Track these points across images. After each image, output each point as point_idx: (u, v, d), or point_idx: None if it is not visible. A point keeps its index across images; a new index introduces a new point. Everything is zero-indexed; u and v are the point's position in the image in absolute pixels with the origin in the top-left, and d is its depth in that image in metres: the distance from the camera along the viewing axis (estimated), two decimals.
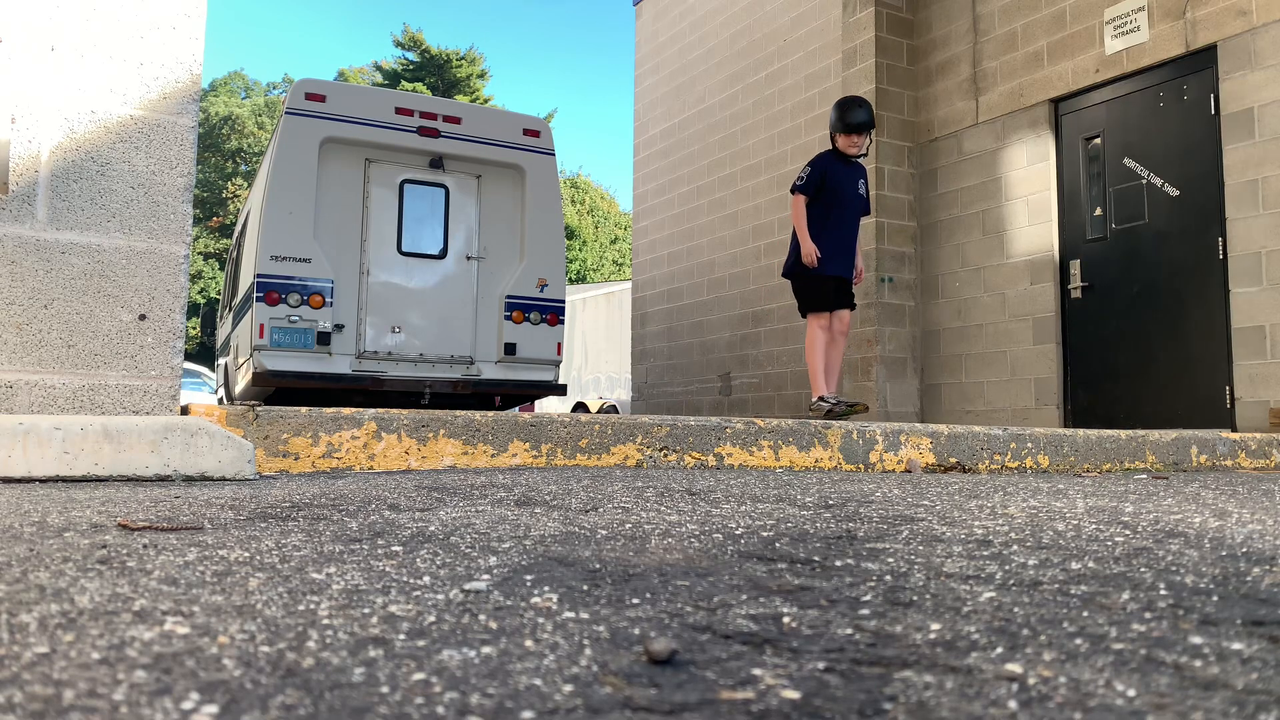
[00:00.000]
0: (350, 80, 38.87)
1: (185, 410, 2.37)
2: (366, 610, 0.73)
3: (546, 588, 0.83)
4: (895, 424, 3.41)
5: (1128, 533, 1.21)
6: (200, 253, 35.12)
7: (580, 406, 15.44)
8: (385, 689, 0.53)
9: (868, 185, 5.84)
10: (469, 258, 7.61)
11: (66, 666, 0.56)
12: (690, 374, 9.78)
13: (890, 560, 0.98)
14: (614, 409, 14.49)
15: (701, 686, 0.54)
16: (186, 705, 0.49)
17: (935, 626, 0.69)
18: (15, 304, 2.12)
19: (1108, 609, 0.75)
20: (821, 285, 5.52)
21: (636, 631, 0.67)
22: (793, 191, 5.63)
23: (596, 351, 16.07)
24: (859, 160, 5.76)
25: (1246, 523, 1.33)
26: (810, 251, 5.42)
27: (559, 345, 7.73)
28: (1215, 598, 0.79)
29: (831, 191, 5.56)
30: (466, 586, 0.83)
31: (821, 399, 5.37)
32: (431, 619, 0.71)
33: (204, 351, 29.07)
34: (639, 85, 11.23)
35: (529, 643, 0.64)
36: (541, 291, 7.68)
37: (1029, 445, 3.54)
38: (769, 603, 0.77)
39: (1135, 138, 6.18)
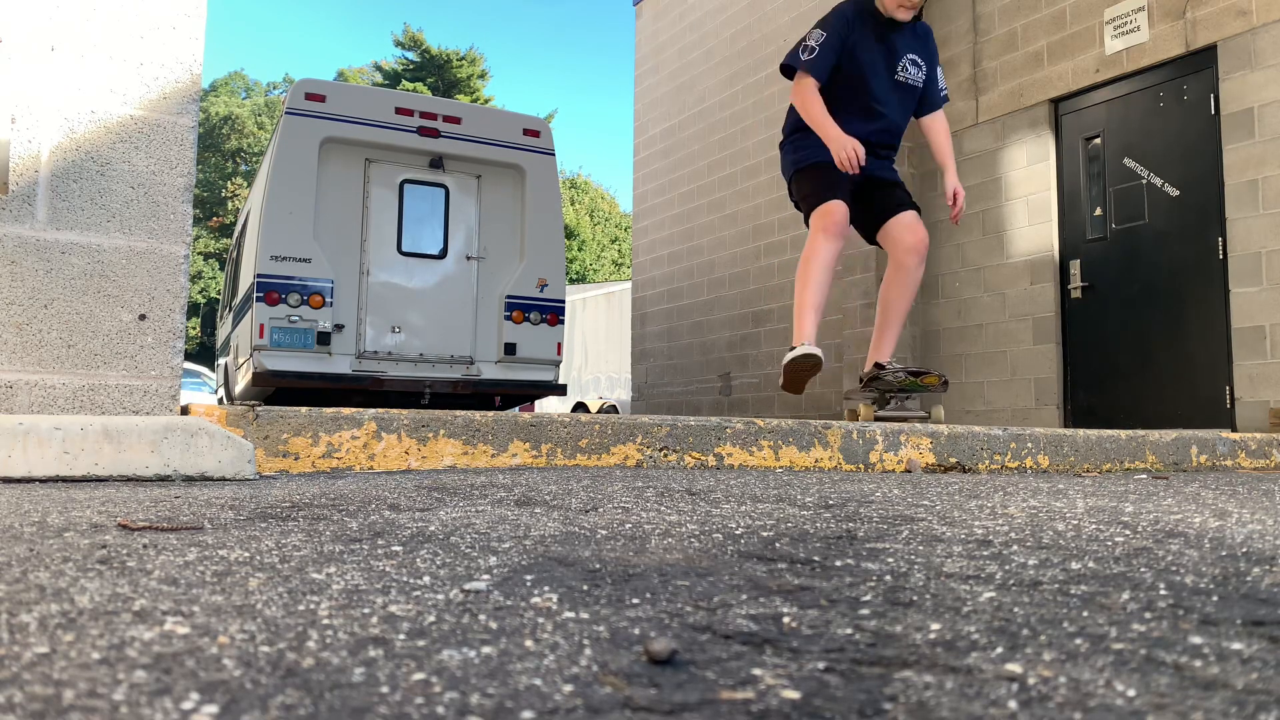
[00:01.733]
0: (350, 80, 38.89)
1: (185, 410, 2.37)
2: (366, 610, 0.73)
3: (546, 588, 0.83)
4: (895, 424, 3.40)
5: (1128, 533, 1.21)
6: (200, 253, 35.13)
7: (580, 406, 15.44)
8: (385, 689, 0.53)
9: (934, 61, 3.84)
10: (469, 258, 7.61)
11: (66, 666, 0.56)
12: (690, 374, 9.78)
13: (890, 560, 0.98)
14: (614, 409, 14.49)
15: (701, 686, 0.54)
16: (186, 705, 0.49)
17: (935, 626, 0.69)
18: (15, 304, 2.12)
19: (1108, 609, 0.75)
20: (820, 170, 3.71)
21: (636, 631, 0.67)
22: (787, 68, 3.75)
23: (596, 351, 16.07)
24: (910, 26, 3.75)
25: (1246, 523, 1.33)
26: (840, 144, 3.54)
27: (559, 345, 7.74)
28: (1215, 598, 0.79)
29: (853, 76, 3.71)
30: (466, 586, 0.83)
31: (879, 366, 3.78)
32: (431, 619, 0.70)
33: (204, 351, 29.08)
34: (639, 85, 11.23)
35: (529, 643, 0.64)
36: (541, 291, 7.69)
37: (1029, 445, 3.54)
38: (769, 603, 0.77)
39: (1135, 138, 6.19)
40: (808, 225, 3.87)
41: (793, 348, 3.74)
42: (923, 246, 3.90)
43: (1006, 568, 0.94)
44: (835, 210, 3.74)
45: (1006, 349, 6.86)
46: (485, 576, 0.88)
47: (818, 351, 3.69)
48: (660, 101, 10.74)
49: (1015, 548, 1.07)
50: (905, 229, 3.87)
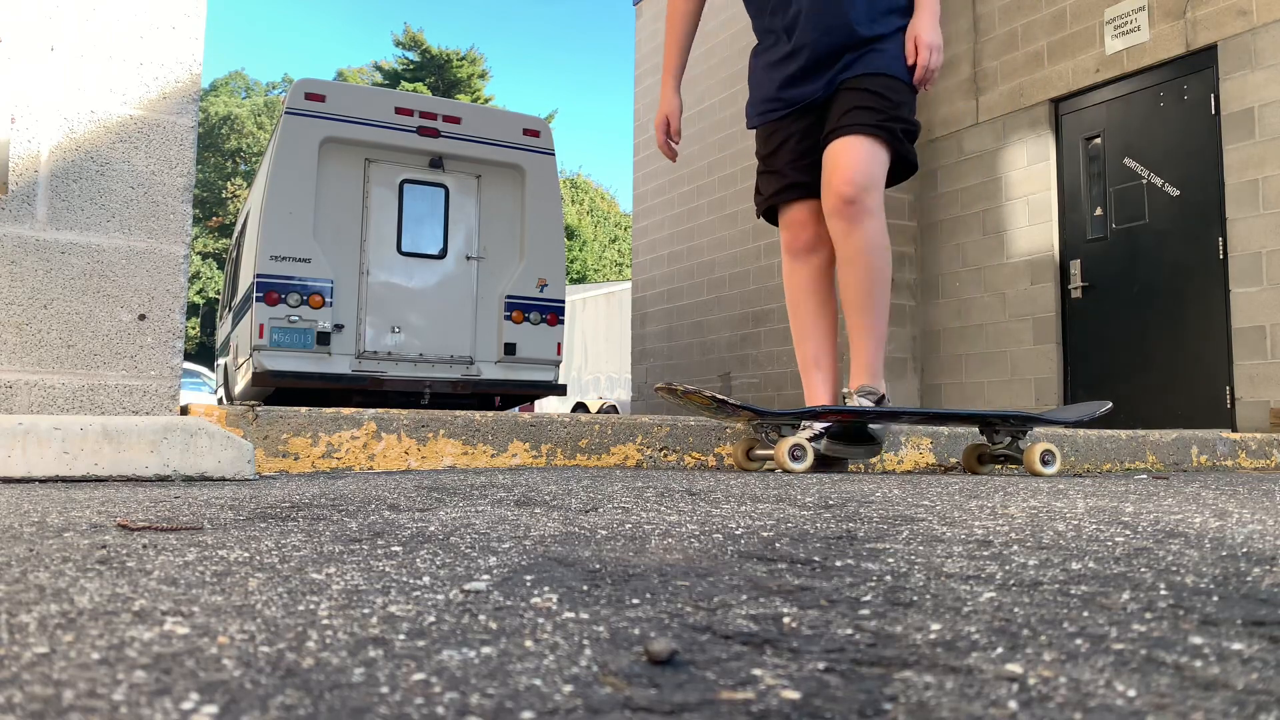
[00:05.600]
0: (350, 80, 38.88)
1: (185, 410, 2.37)
2: (366, 610, 0.73)
3: (546, 588, 0.83)
4: (896, 424, 3.40)
5: (1128, 533, 1.21)
6: (200, 253, 35.15)
7: (580, 406, 15.45)
8: (385, 689, 0.53)
9: None
10: (469, 258, 7.61)
11: (66, 666, 0.56)
12: (690, 374, 9.77)
13: (890, 560, 0.98)
14: (614, 409, 14.49)
15: (701, 686, 0.54)
16: (186, 705, 0.49)
17: (935, 626, 0.69)
18: (15, 304, 2.11)
19: (1108, 609, 0.75)
20: (759, 142, 3.10)
21: (636, 632, 0.67)
22: None
23: (596, 351, 16.07)
24: None
25: (1247, 523, 1.33)
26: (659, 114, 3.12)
27: (559, 345, 7.74)
28: (1215, 598, 0.79)
29: None
30: (466, 587, 0.83)
31: (813, 416, 2.68)
32: (431, 619, 0.70)
33: (204, 351, 29.09)
34: (639, 85, 11.22)
35: (529, 643, 0.64)
36: (541, 291, 7.69)
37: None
38: (769, 603, 0.77)
39: (1135, 138, 6.19)
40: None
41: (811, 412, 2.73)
42: (845, 190, 2.72)
43: (1007, 568, 0.94)
44: (784, 218, 3.06)
45: (1006, 349, 6.85)
46: (485, 577, 0.88)
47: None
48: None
49: (1015, 548, 1.07)
50: (828, 167, 2.79)
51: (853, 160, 2.74)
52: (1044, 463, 2.78)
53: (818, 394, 3.00)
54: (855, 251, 2.77)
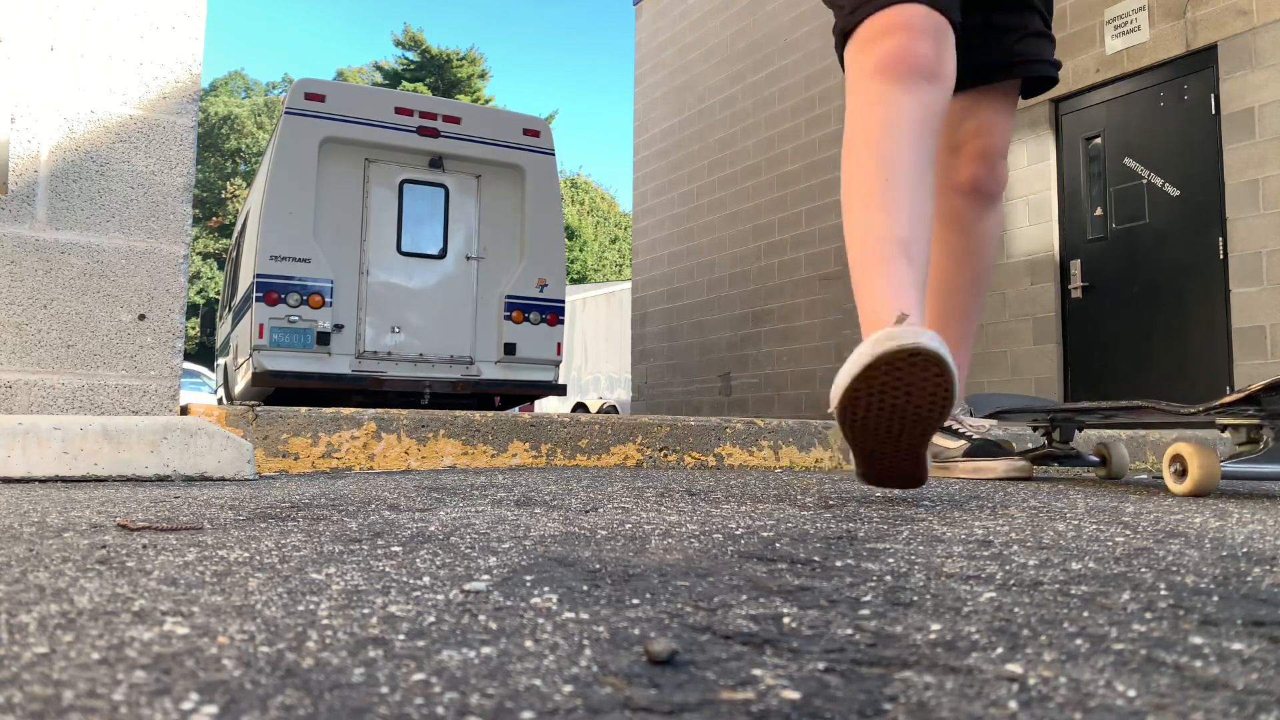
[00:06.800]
0: (350, 80, 38.87)
1: (185, 410, 2.37)
2: (366, 610, 0.73)
3: (546, 588, 0.83)
4: None
5: (1128, 533, 1.21)
6: (200, 253, 35.17)
7: (580, 406, 15.45)
8: (385, 689, 0.53)
9: None
10: (469, 258, 7.62)
11: (66, 667, 0.56)
12: (690, 374, 9.78)
13: (890, 560, 0.98)
14: (614, 409, 14.50)
15: (701, 687, 0.54)
16: (186, 705, 0.49)
17: (935, 627, 0.69)
18: (15, 304, 2.11)
19: (1108, 609, 0.75)
20: None
21: (636, 632, 0.67)
22: None
23: (596, 351, 16.07)
24: None
25: (1247, 523, 1.33)
26: None
27: (559, 345, 7.74)
28: (1216, 598, 0.79)
29: None
30: (466, 587, 0.83)
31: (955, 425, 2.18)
32: (431, 619, 0.70)
33: (204, 351, 29.10)
34: (639, 85, 11.23)
35: (529, 643, 0.64)
36: (541, 291, 7.69)
37: (1029, 445, 3.54)
38: (769, 603, 0.77)
39: (1135, 138, 6.19)
40: (842, 64, 1.88)
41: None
42: (1000, 159, 2.16)
43: (1007, 568, 0.94)
44: (904, 14, 1.74)
45: (1006, 349, 6.86)
46: (485, 577, 0.88)
47: (924, 341, 1.31)
48: (660, 101, 10.74)
49: (1015, 548, 1.07)
50: (987, 118, 2.13)
51: (1012, 121, 2.21)
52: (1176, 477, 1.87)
53: (902, 297, 1.63)
54: (986, 236, 2.21)
